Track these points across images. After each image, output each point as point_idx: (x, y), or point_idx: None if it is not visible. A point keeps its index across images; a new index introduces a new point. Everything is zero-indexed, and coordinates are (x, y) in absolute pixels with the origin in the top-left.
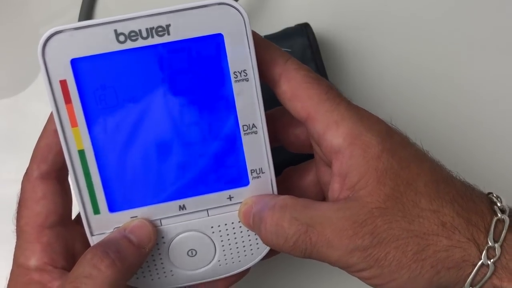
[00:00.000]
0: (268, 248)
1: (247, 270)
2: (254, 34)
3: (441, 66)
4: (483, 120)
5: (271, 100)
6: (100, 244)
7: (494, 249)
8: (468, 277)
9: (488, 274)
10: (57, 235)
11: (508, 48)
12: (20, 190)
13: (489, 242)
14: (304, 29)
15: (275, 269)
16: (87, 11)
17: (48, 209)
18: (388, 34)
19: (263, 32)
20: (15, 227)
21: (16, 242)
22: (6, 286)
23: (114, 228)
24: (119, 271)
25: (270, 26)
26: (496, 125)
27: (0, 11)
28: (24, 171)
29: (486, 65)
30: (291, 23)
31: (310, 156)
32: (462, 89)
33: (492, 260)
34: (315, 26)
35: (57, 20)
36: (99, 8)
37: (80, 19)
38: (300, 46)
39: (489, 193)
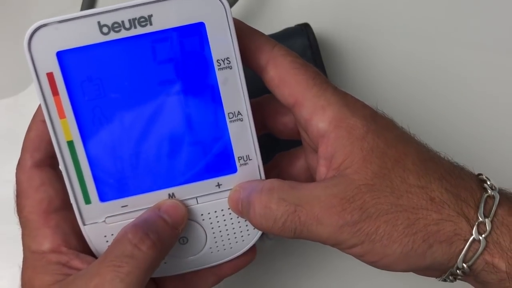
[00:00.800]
0: (259, 234)
1: (254, 255)
2: (239, 23)
3: (441, 65)
4: (485, 117)
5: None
6: (139, 224)
7: (485, 224)
8: (461, 253)
9: (480, 250)
10: (64, 218)
11: (509, 47)
12: (15, 182)
13: (480, 218)
14: (304, 29)
15: (276, 269)
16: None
17: (49, 195)
18: (388, 34)
19: (263, 32)
20: (18, 219)
21: (23, 232)
22: (21, 274)
23: (106, 217)
24: (159, 251)
25: (270, 26)
26: (498, 122)
27: (0, 11)
28: None
29: (487, 65)
30: (291, 23)
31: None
32: (463, 88)
33: (483, 235)
34: (315, 26)
35: None
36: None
37: None
38: (300, 46)
39: (479, 174)
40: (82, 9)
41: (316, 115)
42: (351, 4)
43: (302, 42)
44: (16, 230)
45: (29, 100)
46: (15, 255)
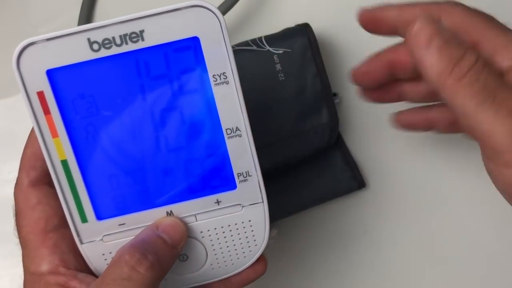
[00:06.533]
0: (261, 249)
1: (263, 267)
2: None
3: None
4: None
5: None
6: (136, 245)
7: None
8: None
9: None
10: (62, 237)
11: None
12: (13, 201)
13: None
14: (304, 29)
15: (276, 269)
16: (87, 11)
17: (46, 214)
18: None
19: (263, 32)
20: (18, 239)
21: (23, 253)
22: None
23: (103, 236)
24: (157, 273)
25: (270, 26)
26: None
27: (0, 11)
28: None
29: None
30: (291, 23)
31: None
32: None
33: None
34: (315, 26)
35: (57, 20)
36: (99, 8)
37: (80, 20)
38: (300, 46)
39: None
40: (82, 9)
41: (500, 52)
42: (351, 4)
43: (302, 42)
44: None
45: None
46: (15, 255)
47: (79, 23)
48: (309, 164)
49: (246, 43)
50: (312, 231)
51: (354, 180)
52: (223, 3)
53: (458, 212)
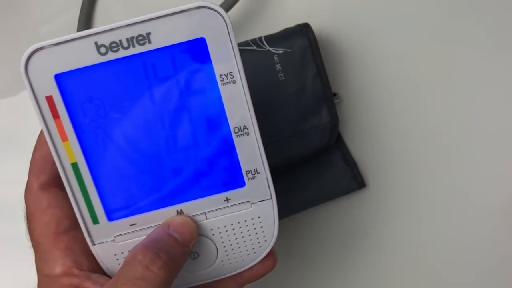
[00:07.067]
0: (271, 245)
1: (273, 262)
2: None
3: (441, 66)
4: (485, 115)
5: (269, 105)
6: (149, 244)
7: None
8: None
9: None
10: (74, 238)
11: (509, 46)
12: (24, 205)
13: None
14: (304, 29)
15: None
16: (87, 11)
17: (57, 216)
18: (389, 34)
19: (263, 32)
20: (30, 243)
21: (35, 256)
22: None
23: (115, 236)
24: (170, 271)
25: (270, 26)
26: (497, 121)
27: (0, 11)
28: (24, 171)
29: (488, 66)
30: (291, 23)
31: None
32: (463, 88)
33: None
34: (315, 26)
35: (57, 20)
36: (99, 8)
37: (80, 20)
38: (300, 46)
39: None
40: (82, 9)
41: None
42: (351, 4)
43: (302, 42)
44: (16, 230)
45: (29, 100)
46: (15, 255)
47: (79, 23)
48: (309, 164)
49: (246, 43)
50: (312, 231)
51: (354, 180)
52: (223, 3)
53: (458, 212)
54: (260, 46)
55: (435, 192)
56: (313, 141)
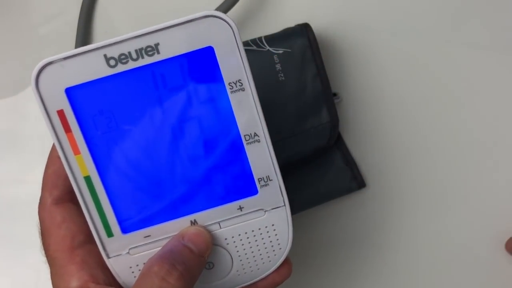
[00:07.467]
0: (286, 254)
1: (289, 270)
2: None
3: (442, 65)
4: (485, 115)
5: (269, 105)
6: (164, 256)
7: None
8: None
9: None
10: (89, 252)
11: (509, 47)
12: (38, 221)
13: None
14: (304, 29)
15: None
16: (87, 11)
17: (72, 231)
18: (388, 33)
19: (263, 32)
20: (46, 258)
21: (51, 271)
22: None
23: (130, 249)
24: (187, 282)
25: (270, 26)
26: (497, 121)
27: (0, 11)
28: (24, 171)
29: (488, 66)
30: (291, 23)
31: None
32: (463, 89)
33: None
34: (315, 26)
35: (57, 20)
36: (100, 8)
37: (80, 19)
38: (300, 46)
39: None
40: (82, 9)
41: None
42: (351, 4)
43: (302, 42)
44: (16, 231)
45: (29, 100)
46: (15, 255)
47: (79, 23)
48: (309, 164)
49: (246, 43)
50: (312, 231)
51: (354, 180)
52: (223, 3)
53: (458, 212)
54: (260, 46)
55: (435, 192)
56: (313, 141)
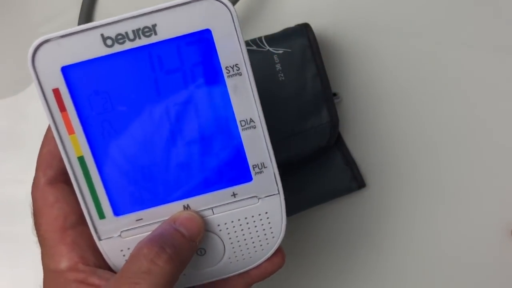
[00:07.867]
0: (278, 242)
1: (282, 259)
2: None
3: (442, 64)
4: (485, 116)
5: (269, 105)
6: (154, 239)
7: None
8: None
9: None
10: (81, 234)
11: (509, 47)
12: (31, 200)
13: None
14: (304, 29)
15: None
16: (87, 11)
17: (64, 211)
18: (389, 34)
19: (263, 32)
20: (37, 238)
21: (42, 251)
22: None
23: (121, 232)
24: (176, 266)
25: (270, 26)
26: (498, 121)
27: (0, 11)
28: (24, 170)
29: (488, 66)
30: (291, 23)
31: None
32: (463, 89)
33: None
34: (315, 26)
35: (57, 20)
36: (99, 8)
37: (80, 19)
38: (300, 46)
39: None
40: (82, 9)
41: None
42: (351, 4)
43: (302, 42)
44: (16, 231)
45: (29, 100)
46: (15, 255)
47: (79, 23)
48: (309, 164)
49: (246, 43)
50: (312, 231)
51: (354, 180)
52: None
53: (459, 212)
54: (260, 46)
55: (435, 192)
56: (313, 141)
